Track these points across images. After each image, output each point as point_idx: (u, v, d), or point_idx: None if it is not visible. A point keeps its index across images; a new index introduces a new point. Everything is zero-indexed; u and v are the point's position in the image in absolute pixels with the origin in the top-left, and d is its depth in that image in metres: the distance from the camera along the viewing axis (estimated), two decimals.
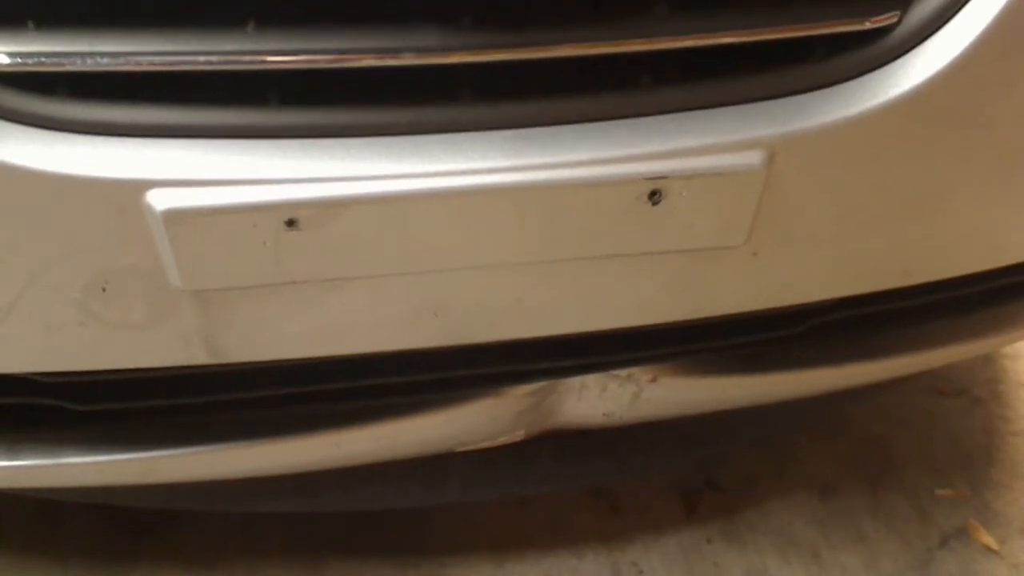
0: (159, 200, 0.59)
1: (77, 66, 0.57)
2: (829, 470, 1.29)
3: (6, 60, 0.57)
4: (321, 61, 0.59)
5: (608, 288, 0.71)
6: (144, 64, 0.57)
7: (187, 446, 0.79)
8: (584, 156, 0.63)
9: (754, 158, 0.65)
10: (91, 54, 0.57)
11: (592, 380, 0.89)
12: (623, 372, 0.88)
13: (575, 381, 0.88)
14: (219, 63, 0.58)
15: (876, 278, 0.78)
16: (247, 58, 0.58)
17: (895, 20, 0.65)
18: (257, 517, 1.19)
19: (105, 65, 0.57)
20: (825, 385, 0.96)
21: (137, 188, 0.59)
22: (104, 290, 0.63)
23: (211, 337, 0.65)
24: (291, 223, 0.61)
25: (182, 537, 1.17)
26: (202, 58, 0.58)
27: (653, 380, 0.90)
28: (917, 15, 0.66)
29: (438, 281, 0.66)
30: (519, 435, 0.95)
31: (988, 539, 1.21)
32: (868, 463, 1.30)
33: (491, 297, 0.69)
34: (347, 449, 0.85)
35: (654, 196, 0.65)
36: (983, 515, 1.24)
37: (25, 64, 0.57)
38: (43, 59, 0.57)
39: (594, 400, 0.91)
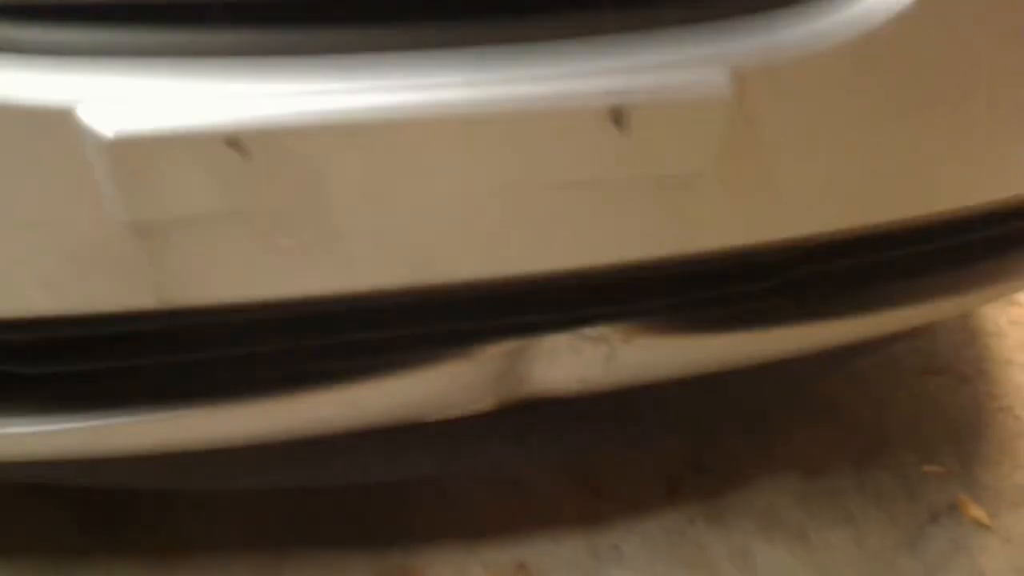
0: (96, 123, 0.55)
1: None
2: (814, 451, 1.25)
3: None
4: None
5: (575, 219, 0.68)
6: None
7: (132, 413, 0.74)
8: (544, 73, 0.60)
9: (717, 76, 0.62)
10: None
11: (563, 342, 0.85)
12: (594, 332, 0.84)
13: (546, 343, 0.84)
14: None
15: (851, 213, 0.75)
16: None
17: None
18: (217, 512, 1.13)
19: None
20: (806, 343, 0.92)
21: (72, 111, 0.55)
22: (40, 226, 0.59)
23: (155, 277, 0.60)
24: (236, 147, 0.57)
25: (139, 534, 1.11)
26: None
27: (626, 340, 0.86)
28: None
29: (391, 212, 0.63)
30: (490, 403, 0.90)
31: (979, 513, 1.17)
32: (854, 444, 1.27)
33: (449, 229, 0.65)
34: (306, 416, 0.80)
35: (617, 117, 0.62)
36: (973, 490, 1.21)
37: None
38: None
39: (567, 364, 0.87)
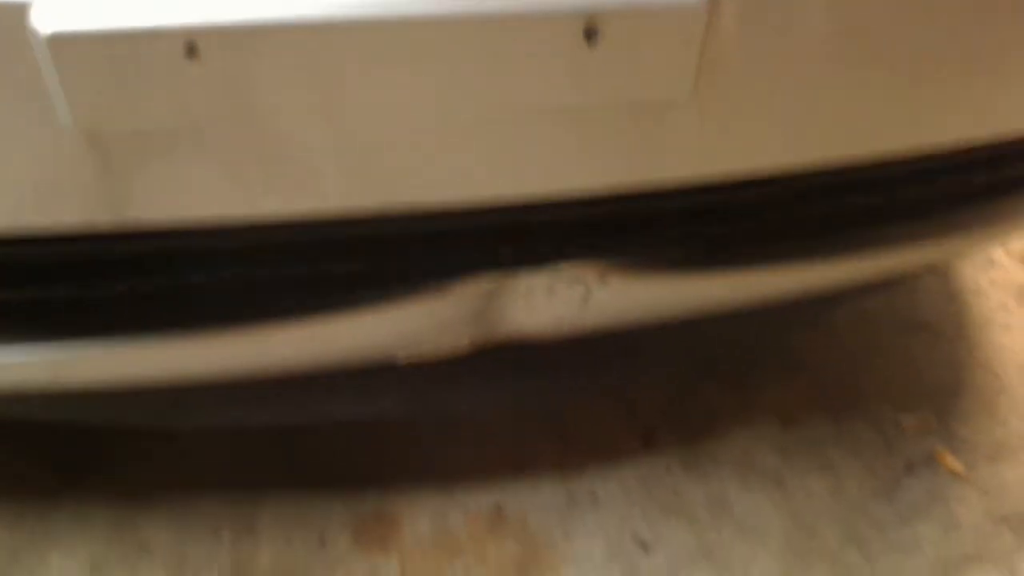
0: (44, 23, 0.53)
1: None
2: (792, 403, 1.25)
3: None
4: None
5: (548, 143, 0.66)
6: None
7: (94, 345, 0.73)
8: None
9: None
10: None
11: (539, 282, 0.84)
12: (570, 271, 0.83)
13: (521, 283, 0.83)
14: None
15: (836, 143, 0.74)
16: None
17: None
18: (191, 455, 1.13)
19: None
20: (783, 287, 0.91)
21: (19, 9, 0.53)
22: None
23: (109, 190, 0.59)
24: (191, 51, 0.55)
25: (111, 476, 1.10)
26: None
27: (602, 279, 0.85)
28: None
29: (353, 126, 0.61)
30: (465, 345, 0.89)
31: (956, 465, 1.17)
32: (832, 396, 1.27)
33: (413, 147, 0.63)
34: (275, 352, 0.79)
35: (590, 34, 0.61)
36: (950, 443, 1.21)
37: None
38: None
39: (542, 305, 0.86)
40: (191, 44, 0.55)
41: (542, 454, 1.15)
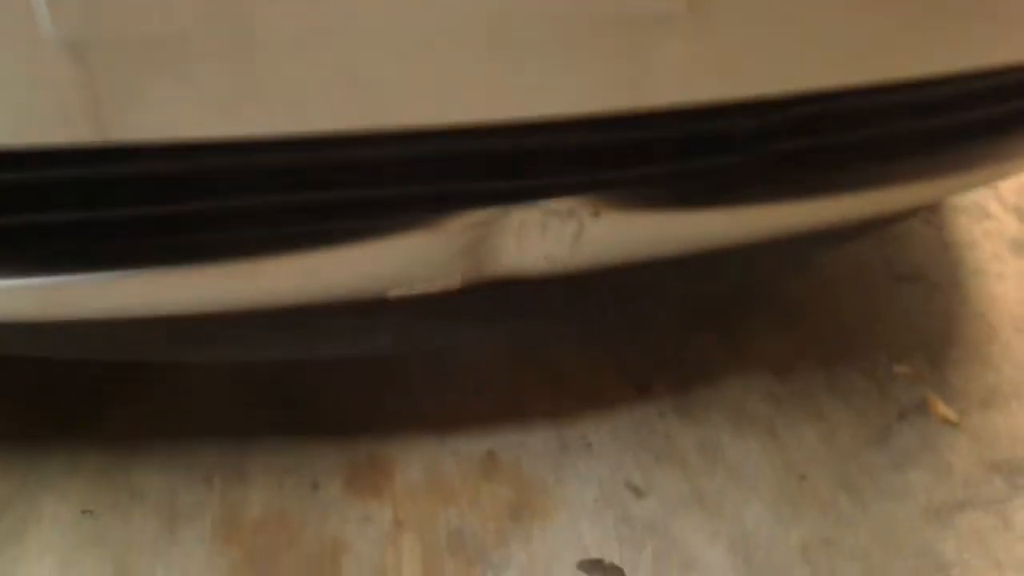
0: None
1: None
2: (784, 352, 1.25)
3: None
4: None
5: (539, 60, 0.64)
6: None
7: (82, 272, 0.71)
8: None
9: None
10: None
11: (531, 216, 0.82)
12: (563, 205, 0.82)
13: (514, 218, 0.82)
14: None
15: (838, 68, 0.72)
16: None
17: None
18: (182, 400, 1.12)
19: None
20: (783, 223, 0.90)
21: None
22: None
23: (93, 103, 0.57)
24: None
25: (101, 423, 1.09)
26: None
27: (596, 214, 0.83)
28: None
29: (345, 39, 0.59)
30: (456, 281, 0.88)
31: (947, 412, 1.18)
32: (824, 346, 1.26)
33: (398, 62, 0.61)
34: (266, 282, 0.78)
35: None
36: (942, 391, 1.21)
37: None
38: None
39: (535, 241, 0.84)
40: None
41: (535, 402, 1.15)
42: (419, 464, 1.08)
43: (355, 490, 1.05)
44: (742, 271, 1.04)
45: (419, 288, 0.88)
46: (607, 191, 0.83)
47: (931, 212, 1.56)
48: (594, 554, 1.00)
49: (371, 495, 1.05)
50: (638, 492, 1.06)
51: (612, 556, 1.00)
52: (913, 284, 1.40)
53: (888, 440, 1.14)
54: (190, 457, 1.07)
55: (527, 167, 0.80)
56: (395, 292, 0.87)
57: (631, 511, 1.04)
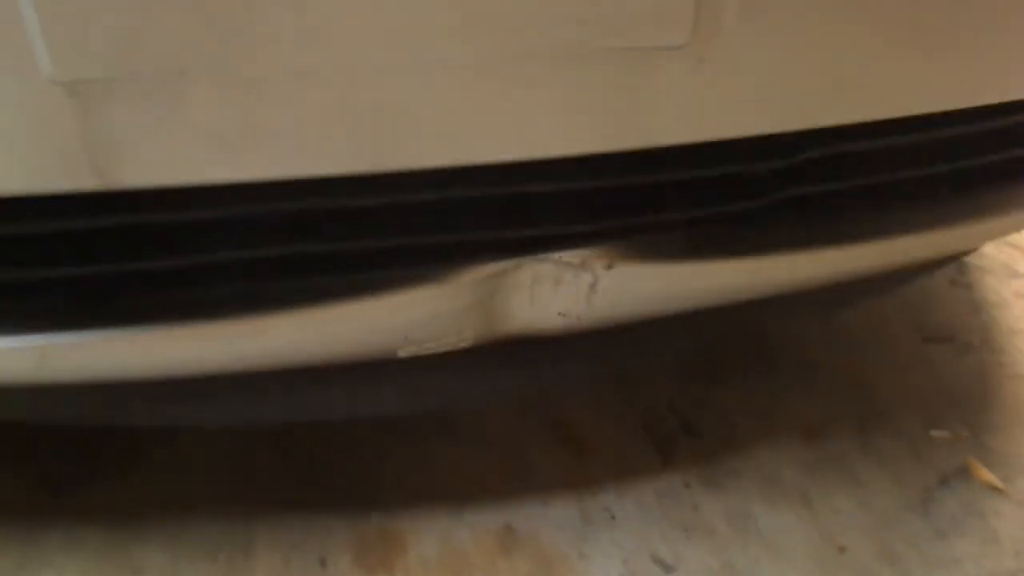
0: None
1: None
2: (813, 415, 1.19)
3: None
4: None
5: (538, 98, 0.62)
6: None
7: (80, 330, 0.68)
8: None
9: None
10: None
11: (543, 270, 0.79)
12: (575, 257, 0.79)
13: (525, 271, 0.79)
14: None
15: (852, 106, 0.70)
16: None
17: None
18: (185, 472, 1.07)
19: None
20: (808, 273, 0.87)
21: None
22: None
23: (94, 148, 0.55)
24: None
25: (103, 494, 1.05)
26: None
27: (609, 266, 0.80)
28: None
29: (349, 80, 0.57)
30: (467, 339, 0.85)
31: (990, 477, 1.11)
32: (855, 409, 1.21)
33: (400, 105, 0.59)
34: (268, 340, 0.74)
35: None
36: (983, 455, 1.15)
37: None
38: None
39: (548, 296, 0.81)
40: None
41: (555, 470, 1.10)
42: (433, 537, 1.02)
43: (365, 566, 0.99)
44: (762, 320, 1.00)
45: (429, 346, 0.85)
46: (620, 241, 0.80)
47: (958, 272, 1.52)
48: None
49: (382, 570, 0.99)
50: (666, 567, 1.00)
51: None
52: (944, 345, 1.35)
53: (930, 507, 1.08)
54: (193, 531, 1.02)
55: (537, 217, 0.77)
56: (405, 351, 0.84)
57: None
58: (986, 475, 1.11)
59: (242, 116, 0.56)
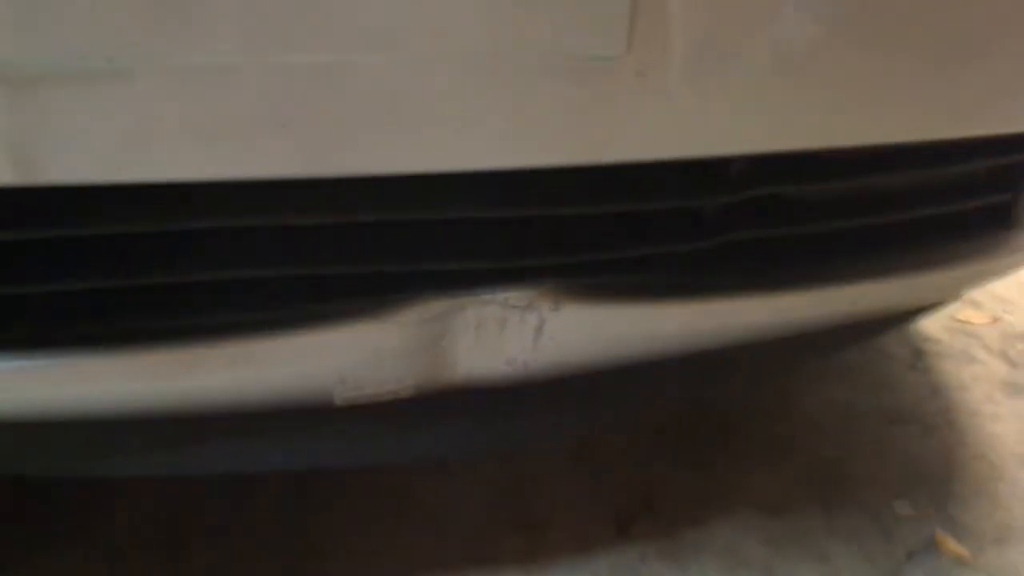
0: None
1: None
2: (778, 491, 1.15)
3: None
4: None
5: (462, 105, 0.61)
6: None
7: None
8: None
9: None
10: None
11: (488, 311, 0.77)
12: (521, 297, 0.77)
13: (469, 314, 0.77)
14: None
15: (807, 132, 0.69)
16: None
17: None
18: (99, 523, 1.00)
19: None
20: (763, 318, 0.84)
21: None
22: None
23: (18, 139, 0.53)
24: None
25: (11, 548, 0.97)
26: None
27: (556, 308, 0.78)
28: None
29: (287, 75, 0.57)
30: (409, 386, 0.81)
31: (959, 550, 1.07)
32: (819, 485, 1.17)
33: (327, 108, 0.58)
34: (193, 377, 0.70)
35: None
36: (951, 529, 1.10)
37: None
38: None
39: (493, 341, 0.78)
40: None
41: (504, 543, 1.03)
42: None
43: None
44: (722, 376, 0.98)
45: (369, 393, 0.81)
46: (567, 280, 0.78)
47: (916, 358, 1.51)
48: None
49: None
50: None
51: None
52: (906, 426, 1.32)
53: None
54: None
55: (479, 251, 0.76)
56: (342, 397, 0.80)
57: None
58: (954, 547, 1.07)
59: (170, 110, 0.55)
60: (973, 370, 1.49)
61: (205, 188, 0.61)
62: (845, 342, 1.11)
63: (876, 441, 1.28)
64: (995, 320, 1.66)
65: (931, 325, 1.61)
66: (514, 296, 0.77)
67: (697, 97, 0.64)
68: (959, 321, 1.65)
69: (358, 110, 0.58)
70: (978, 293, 1.72)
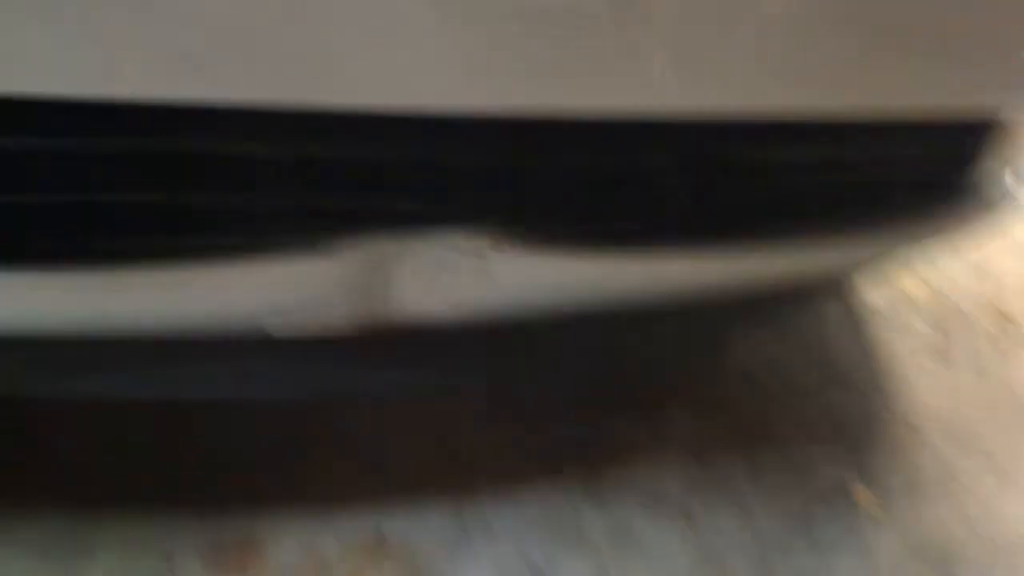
0: None
1: None
2: (705, 440, 1.18)
3: None
4: None
5: (422, 43, 0.61)
6: None
7: None
8: None
9: None
10: None
11: (430, 252, 0.77)
12: (465, 239, 0.77)
13: (411, 253, 0.76)
14: None
15: (743, 93, 0.69)
16: None
17: None
18: (19, 466, 0.99)
19: None
20: (701, 277, 0.85)
21: None
22: None
23: None
24: None
25: None
26: None
27: (500, 250, 0.78)
28: None
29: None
30: (349, 323, 0.81)
31: (871, 500, 1.10)
32: (745, 437, 1.20)
33: (299, 36, 0.58)
34: (125, 301, 0.69)
35: None
36: (865, 481, 1.14)
37: None
38: None
39: (434, 281, 0.79)
40: None
41: (435, 479, 1.05)
42: (295, 544, 0.96)
43: (217, 570, 0.92)
44: (663, 333, 0.99)
45: (308, 329, 0.80)
46: (512, 225, 0.78)
47: (853, 323, 1.55)
48: None
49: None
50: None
51: None
52: (836, 387, 1.36)
53: (811, 528, 1.06)
54: (24, 528, 0.93)
55: (425, 192, 0.75)
56: (280, 331, 0.80)
57: None
58: (866, 498, 1.11)
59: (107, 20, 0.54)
60: (907, 338, 1.53)
61: (150, 108, 0.60)
62: (785, 304, 1.13)
63: (804, 399, 1.31)
64: (935, 292, 1.71)
65: (872, 292, 1.65)
66: (459, 239, 0.77)
67: (643, 49, 0.65)
68: (900, 290, 1.69)
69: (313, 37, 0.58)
70: (920, 264, 1.76)
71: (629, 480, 1.09)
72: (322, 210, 0.74)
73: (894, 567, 1.01)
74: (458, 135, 0.72)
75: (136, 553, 0.92)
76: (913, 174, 0.94)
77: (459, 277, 0.79)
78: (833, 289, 1.10)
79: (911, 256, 1.05)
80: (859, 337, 1.51)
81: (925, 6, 0.72)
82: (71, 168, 0.65)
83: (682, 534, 1.03)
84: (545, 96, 0.68)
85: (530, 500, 1.04)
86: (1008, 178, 1.05)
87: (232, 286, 0.73)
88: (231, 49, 0.59)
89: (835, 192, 0.90)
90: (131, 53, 0.56)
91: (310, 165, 0.72)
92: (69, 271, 0.66)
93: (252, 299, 0.75)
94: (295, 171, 0.72)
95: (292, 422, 1.09)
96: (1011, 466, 1.22)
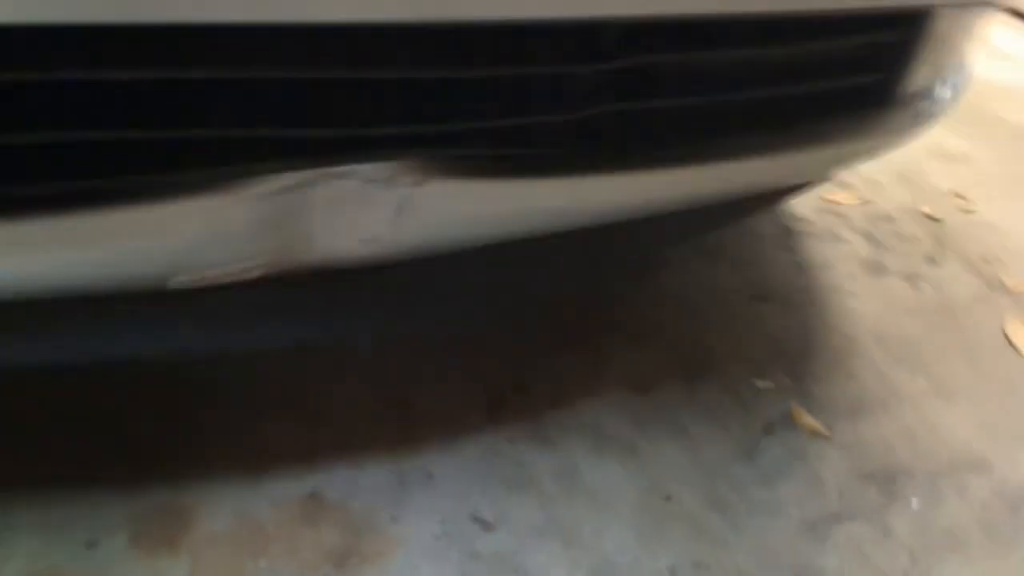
0: None
1: None
2: (641, 370, 1.16)
3: None
4: None
5: None
6: None
7: None
8: None
9: None
10: None
11: (346, 186, 0.70)
12: (382, 170, 0.70)
13: (324, 188, 0.69)
14: None
15: None
16: None
17: None
18: None
19: None
20: (634, 196, 0.81)
21: None
22: None
23: None
24: None
25: None
26: None
27: (418, 182, 0.72)
28: None
29: None
30: (256, 269, 0.74)
31: (814, 424, 1.11)
32: (683, 363, 1.18)
33: None
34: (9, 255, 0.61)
35: None
36: (807, 403, 1.14)
37: None
38: None
39: (351, 216, 0.71)
40: None
41: (372, 430, 1.00)
42: (225, 512, 0.90)
43: (143, 544, 0.86)
44: (589, 260, 0.95)
45: (210, 276, 0.73)
46: (430, 153, 0.71)
47: (784, 237, 1.54)
48: None
49: (164, 549, 0.86)
50: (486, 525, 0.92)
51: None
52: (771, 304, 1.35)
53: (755, 455, 1.05)
54: None
55: (339, 120, 0.68)
56: (180, 280, 0.72)
57: (478, 546, 0.90)
58: (810, 422, 1.11)
59: None
60: (838, 249, 1.53)
61: (27, 32, 0.51)
62: (717, 221, 1.10)
63: (740, 319, 1.30)
64: (863, 202, 1.71)
65: (800, 205, 1.64)
66: (373, 169, 0.70)
67: None
68: (828, 201, 1.68)
69: None
70: (847, 174, 1.76)
71: (572, 419, 1.06)
72: (227, 141, 0.65)
73: (841, 490, 1.02)
74: (370, 55, 0.64)
75: (58, 535, 0.85)
76: (843, 82, 0.91)
77: (376, 212, 0.72)
78: (762, 204, 1.07)
79: (839, 167, 1.03)
80: (789, 250, 1.51)
81: None
82: None
83: (628, 469, 1.01)
84: (458, 4, 0.61)
85: (471, 445, 1.01)
86: (936, 84, 1.03)
87: (130, 232, 0.65)
88: None
89: (764, 102, 0.86)
90: None
91: (214, 91, 0.63)
92: None
93: (148, 247, 0.67)
94: (195, 98, 0.63)
95: (216, 377, 1.02)
96: (949, 377, 1.24)
